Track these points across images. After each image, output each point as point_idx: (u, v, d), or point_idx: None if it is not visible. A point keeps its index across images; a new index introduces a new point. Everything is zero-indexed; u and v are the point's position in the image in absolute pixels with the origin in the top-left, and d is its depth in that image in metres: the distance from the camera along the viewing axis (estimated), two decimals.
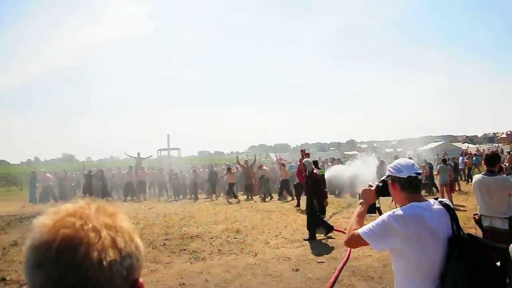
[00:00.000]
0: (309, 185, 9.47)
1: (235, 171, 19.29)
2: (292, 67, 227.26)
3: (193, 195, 19.42)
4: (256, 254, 7.81)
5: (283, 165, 18.00)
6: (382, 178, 2.61)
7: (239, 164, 19.46)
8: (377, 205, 2.73)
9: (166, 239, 9.42)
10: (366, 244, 2.39)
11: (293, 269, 6.79)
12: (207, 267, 7.04)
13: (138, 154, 22.43)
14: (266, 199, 17.19)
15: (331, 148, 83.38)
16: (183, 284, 6.18)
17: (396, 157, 20.39)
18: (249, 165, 18.87)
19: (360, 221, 2.55)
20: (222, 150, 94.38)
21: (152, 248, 8.63)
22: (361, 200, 2.64)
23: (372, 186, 2.67)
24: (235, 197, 17.68)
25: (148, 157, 23.33)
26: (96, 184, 20.36)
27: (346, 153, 48.05)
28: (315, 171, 9.43)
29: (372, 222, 2.38)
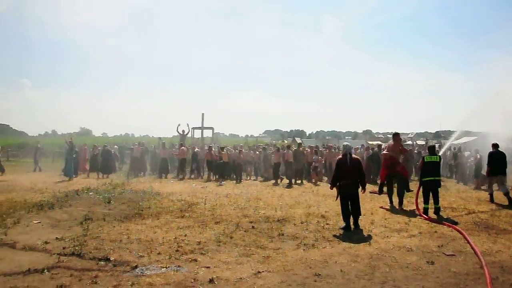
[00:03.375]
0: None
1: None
2: (312, 55, 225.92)
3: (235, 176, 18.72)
4: (370, 244, 7.00)
5: (278, 149, 19.41)
6: None
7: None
8: None
9: (250, 222, 8.64)
10: None
11: (427, 262, 5.99)
12: (327, 256, 6.24)
13: (183, 131, 21.72)
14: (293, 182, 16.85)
15: (347, 137, 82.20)
16: (319, 274, 5.38)
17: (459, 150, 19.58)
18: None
19: None
20: (236, 133, 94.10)
21: (244, 231, 7.85)
22: None
23: None
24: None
25: (187, 134, 22.73)
26: (141, 159, 19.92)
27: (370, 142, 47.34)
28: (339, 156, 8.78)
29: None
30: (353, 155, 8.68)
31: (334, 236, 7.55)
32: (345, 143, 9.32)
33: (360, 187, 8.42)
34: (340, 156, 8.54)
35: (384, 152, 11.83)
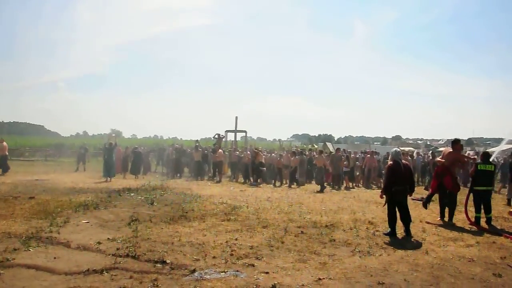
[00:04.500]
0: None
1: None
2: (341, 60, 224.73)
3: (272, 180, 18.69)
4: (427, 252, 6.74)
5: (294, 153, 19.47)
6: None
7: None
8: None
9: (298, 227, 8.50)
10: None
11: (494, 274, 5.70)
12: (386, 264, 6.03)
13: (219, 135, 21.88)
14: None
15: (376, 143, 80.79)
16: (382, 283, 5.19)
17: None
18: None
19: None
20: (264, 137, 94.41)
21: (294, 236, 7.71)
22: None
23: None
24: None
25: (223, 138, 22.89)
26: (177, 161, 20.26)
27: (402, 148, 46.43)
28: (389, 162, 8.29)
29: None
30: (403, 161, 8.43)
31: (387, 243, 7.34)
32: (395, 149, 9.03)
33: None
34: (392, 162, 8.25)
35: (438, 159, 10.48)
